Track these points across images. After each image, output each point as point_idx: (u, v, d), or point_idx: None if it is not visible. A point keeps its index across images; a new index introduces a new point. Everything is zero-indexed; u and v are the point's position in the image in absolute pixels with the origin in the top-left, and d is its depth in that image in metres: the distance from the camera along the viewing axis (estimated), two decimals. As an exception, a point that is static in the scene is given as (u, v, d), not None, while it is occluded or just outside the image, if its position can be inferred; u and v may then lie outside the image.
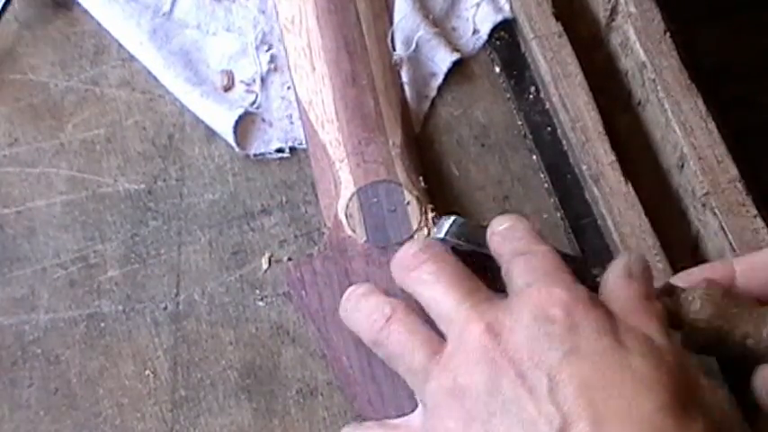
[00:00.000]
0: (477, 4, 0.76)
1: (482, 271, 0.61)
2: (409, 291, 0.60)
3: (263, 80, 0.73)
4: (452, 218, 0.64)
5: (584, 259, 0.69)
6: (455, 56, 0.75)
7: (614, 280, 0.59)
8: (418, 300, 0.60)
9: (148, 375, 0.65)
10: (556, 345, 0.53)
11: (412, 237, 0.67)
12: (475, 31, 0.76)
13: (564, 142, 0.73)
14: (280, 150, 0.72)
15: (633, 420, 0.51)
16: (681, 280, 0.63)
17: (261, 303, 0.67)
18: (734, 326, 0.61)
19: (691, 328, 0.61)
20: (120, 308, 0.67)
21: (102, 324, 0.66)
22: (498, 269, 0.61)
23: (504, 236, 0.61)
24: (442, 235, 0.64)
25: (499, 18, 0.76)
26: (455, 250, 0.63)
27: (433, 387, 0.56)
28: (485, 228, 0.62)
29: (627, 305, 0.58)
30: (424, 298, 0.60)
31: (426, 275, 0.59)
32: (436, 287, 0.59)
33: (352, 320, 0.62)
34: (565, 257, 0.60)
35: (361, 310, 0.61)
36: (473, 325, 0.56)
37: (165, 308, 0.67)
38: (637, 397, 0.52)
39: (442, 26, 0.76)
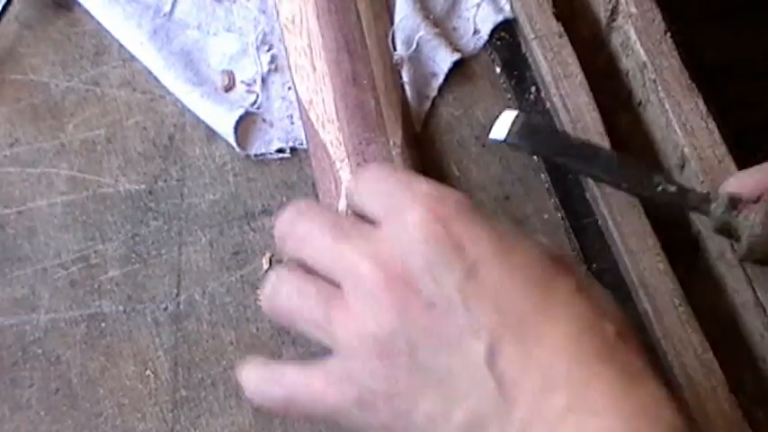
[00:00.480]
0: (478, 5, 0.76)
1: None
2: (296, 257, 0.57)
3: (263, 80, 0.73)
4: (514, 113, 0.62)
5: (619, 159, 0.68)
6: (456, 56, 0.75)
7: None
8: (305, 262, 0.56)
9: (149, 375, 0.65)
10: (457, 263, 0.51)
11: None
12: (475, 32, 0.76)
13: (564, 142, 0.73)
14: (280, 150, 0.72)
15: (554, 314, 0.50)
16: (735, 185, 0.65)
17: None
18: None
19: (748, 245, 0.64)
20: (121, 308, 0.67)
21: (103, 324, 0.66)
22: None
23: (351, 190, 0.58)
24: (502, 137, 0.62)
25: (500, 18, 0.76)
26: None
27: (340, 333, 0.54)
28: (555, 131, 0.60)
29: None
30: (307, 257, 0.56)
31: (301, 234, 0.56)
32: (313, 242, 0.56)
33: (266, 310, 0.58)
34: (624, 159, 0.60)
35: (263, 293, 0.58)
36: (360, 265, 0.53)
37: (166, 308, 0.67)
38: (549, 288, 0.51)
39: (442, 26, 0.76)
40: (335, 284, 0.55)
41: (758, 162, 0.70)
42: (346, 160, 0.69)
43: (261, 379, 0.56)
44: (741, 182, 0.66)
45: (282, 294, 0.56)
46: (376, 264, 0.53)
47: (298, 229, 0.56)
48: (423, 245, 0.52)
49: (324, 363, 0.55)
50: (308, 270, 0.56)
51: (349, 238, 0.55)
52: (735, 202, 0.65)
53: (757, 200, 0.65)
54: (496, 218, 0.55)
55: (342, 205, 0.68)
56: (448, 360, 0.51)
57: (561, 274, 0.52)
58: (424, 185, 0.54)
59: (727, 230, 0.65)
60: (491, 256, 0.52)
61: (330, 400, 0.54)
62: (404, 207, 0.53)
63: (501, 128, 0.64)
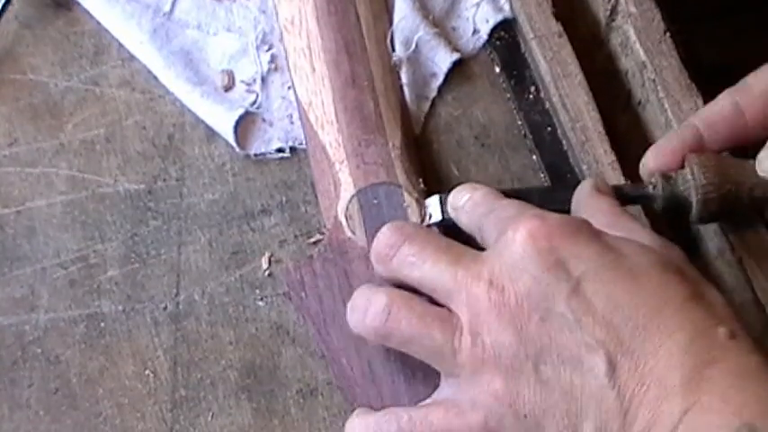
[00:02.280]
0: (477, 4, 0.76)
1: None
2: (397, 278, 0.60)
3: (263, 80, 0.73)
4: (437, 197, 0.65)
5: (548, 188, 0.70)
6: (455, 56, 0.75)
7: (586, 198, 0.61)
8: (409, 283, 0.59)
9: (148, 375, 0.65)
10: (563, 277, 0.53)
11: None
12: (475, 31, 0.76)
13: (564, 142, 0.73)
14: (280, 150, 0.72)
15: (666, 323, 0.51)
16: (654, 160, 0.64)
17: (261, 303, 0.67)
18: (739, 183, 0.62)
19: (703, 201, 0.63)
20: (120, 308, 0.67)
21: (102, 324, 0.66)
22: None
23: (469, 209, 0.62)
24: (440, 217, 0.64)
25: (499, 18, 0.76)
26: (448, 228, 0.63)
27: (464, 359, 0.56)
28: None
29: (606, 218, 0.58)
30: (414, 279, 0.59)
31: (410, 257, 0.59)
32: (423, 267, 0.58)
33: (353, 323, 0.60)
34: (527, 191, 0.62)
35: (357, 308, 0.60)
36: (474, 287, 0.55)
37: (165, 308, 0.67)
38: (659, 297, 0.52)
39: (441, 26, 0.76)
40: (445, 307, 0.57)
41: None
42: (345, 161, 0.69)
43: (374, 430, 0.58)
44: (659, 156, 0.65)
45: (401, 319, 0.57)
46: (489, 284, 0.55)
47: (406, 250, 0.59)
48: (528, 262, 0.54)
49: (438, 397, 0.57)
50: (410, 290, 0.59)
51: (461, 262, 0.57)
52: (667, 177, 0.64)
53: (682, 165, 0.64)
54: (604, 233, 0.56)
55: (341, 206, 0.68)
56: (570, 376, 0.53)
57: (673, 283, 0.53)
58: (530, 209, 0.57)
59: (675, 204, 0.65)
60: (594, 272, 0.53)
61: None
62: (510, 228, 0.55)
63: (435, 212, 0.65)
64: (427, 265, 0.58)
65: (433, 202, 0.66)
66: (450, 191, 0.65)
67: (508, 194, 0.63)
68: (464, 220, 0.61)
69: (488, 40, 0.76)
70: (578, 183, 0.65)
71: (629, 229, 0.58)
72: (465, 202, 0.62)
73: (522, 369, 0.54)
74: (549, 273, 0.54)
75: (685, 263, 0.56)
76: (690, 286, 0.53)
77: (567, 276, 0.53)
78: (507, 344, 0.54)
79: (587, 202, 0.61)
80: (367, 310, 0.59)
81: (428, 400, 0.59)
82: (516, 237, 0.55)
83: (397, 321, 0.58)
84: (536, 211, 0.57)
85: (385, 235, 0.60)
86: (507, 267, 0.55)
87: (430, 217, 0.66)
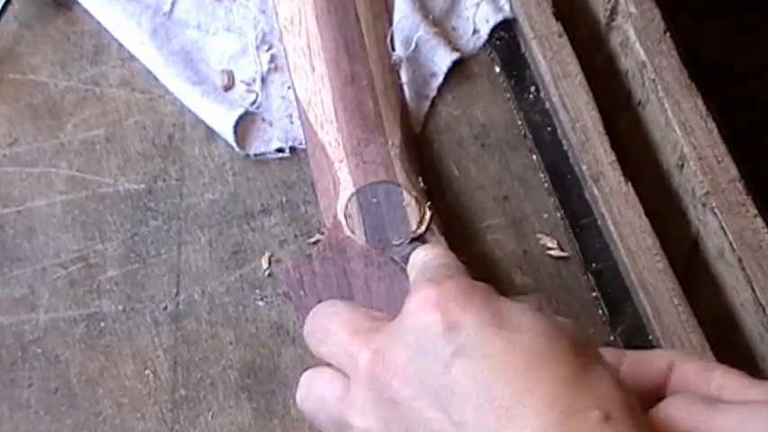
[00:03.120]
0: (477, 4, 0.77)
1: None
2: (323, 358, 0.58)
3: (263, 80, 0.73)
4: None
5: None
6: (455, 56, 0.75)
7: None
8: (324, 358, 0.57)
9: (148, 375, 0.65)
10: (440, 350, 0.51)
11: (411, 238, 0.67)
12: (475, 31, 0.76)
13: (564, 142, 0.73)
14: (280, 150, 0.72)
15: (538, 402, 0.49)
16: None
17: (261, 303, 0.67)
18: None
19: None
20: (120, 308, 0.67)
21: (102, 324, 0.66)
22: None
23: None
24: None
25: (499, 17, 0.76)
26: None
27: (351, 419, 0.54)
28: None
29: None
30: (324, 352, 0.57)
31: (319, 335, 0.57)
32: (330, 338, 0.57)
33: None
34: None
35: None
36: (361, 355, 0.53)
37: (165, 308, 0.67)
38: (536, 375, 0.50)
39: (441, 26, 0.76)
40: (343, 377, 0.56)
41: (758, 162, 0.70)
42: (345, 161, 0.69)
43: None
44: None
45: (310, 398, 0.57)
46: (373, 355, 0.53)
47: (318, 325, 0.58)
48: (415, 332, 0.52)
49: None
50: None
51: (359, 333, 0.55)
52: None
53: None
54: (502, 300, 0.54)
55: (340, 205, 0.68)
56: None
57: (554, 360, 0.50)
58: (441, 271, 0.57)
59: None
60: (471, 346, 0.51)
61: None
62: (409, 296, 0.54)
63: None
64: (332, 338, 0.56)
65: None
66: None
67: None
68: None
69: (488, 40, 0.76)
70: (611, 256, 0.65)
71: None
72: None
73: None
74: (429, 345, 0.51)
75: (580, 338, 0.53)
76: (572, 364, 0.50)
77: (443, 351, 0.51)
78: (379, 419, 0.52)
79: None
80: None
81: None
82: (410, 305, 0.53)
83: (308, 401, 0.58)
84: (442, 276, 0.56)
85: (312, 313, 0.59)
86: (396, 338, 0.53)
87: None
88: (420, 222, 0.67)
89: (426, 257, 0.61)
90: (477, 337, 0.51)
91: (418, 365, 0.51)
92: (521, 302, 0.54)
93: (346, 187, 0.68)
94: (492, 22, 0.76)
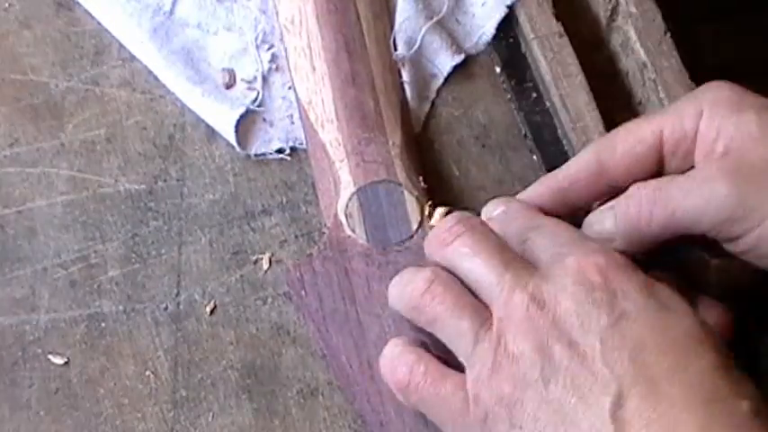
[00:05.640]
0: (483, 3, 0.76)
1: None
2: (447, 264, 0.60)
3: (264, 79, 0.73)
4: (443, 209, 0.67)
5: None
6: (457, 59, 0.75)
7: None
8: (456, 272, 0.60)
9: (149, 375, 0.65)
10: (605, 310, 0.54)
11: (412, 237, 0.67)
12: (480, 28, 0.76)
13: (564, 142, 0.73)
14: (280, 150, 0.72)
15: (689, 380, 0.51)
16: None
17: (261, 303, 0.67)
18: None
19: None
20: (121, 308, 0.67)
21: (103, 324, 0.66)
22: None
23: (503, 219, 0.62)
24: None
25: (503, 11, 0.76)
26: None
27: (484, 350, 0.56)
28: None
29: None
30: (462, 270, 0.59)
31: (464, 248, 0.59)
32: (475, 259, 0.58)
33: (392, 296, 0.61)
34: None
35: (400, 281, 0.61)
36: (517, 295, 0.56)
37: (166, 308, 0.67)
38: (689, 356, 0.52)
39: (446, 25, 0.76)
40: (484, 304, 0.58)
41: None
42: (345, 160, 0.69)
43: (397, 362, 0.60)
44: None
45: (437, 295, 0.59)
46: (531, 297, 0.56)
47: (464, 240, 0.59)
48: (577, 288, 0.55)
49: (459, 376, 0.58)
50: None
51: (511, 266, 0.58)
52: None
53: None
54: (656, 282, 0.57)
55: (341, 204, 0.68)
56: (575, 403, 0.53)
57: (705, 346, 0.53)
58: (593, 243, 0.58)
59: None
60: (637, 312, 0.54)
61: (456, 413, 0.57)
62: (568, 254, 0.57)
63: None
64: (479, 259, 0.58)
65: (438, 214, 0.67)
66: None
67: None
68: (497, 228, 0.61)
69: (492, 39, 0.76)
70: None
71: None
72: (500, 213, 0.63)
73: (533, 383, 0.54)
74: (593, 305, 0.54)
75: (722, 342, 0.56)
76: (720, 356, 0.53)
77: (609, 310, 0.54)
78: (528, 356, 0.55)
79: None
80: (410, 282, 0.60)
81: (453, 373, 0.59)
82: (571, 266, 0.56)
83: (432, 296, 0.59)
84: (591, 243, 0.58)
85: (448, 222, 0.61)
86: (554, 289, 0.56)
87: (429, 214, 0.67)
88: (421, 221, 0.67)
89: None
90: (641, 308, 0.54)
91: (579, 320, 0.54)
92: (673, 292, 0.56)
93: (347, 186, 0.68)
94: (497, 18, 0.76)
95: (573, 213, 0.63)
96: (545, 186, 0.64)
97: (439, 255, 0.61)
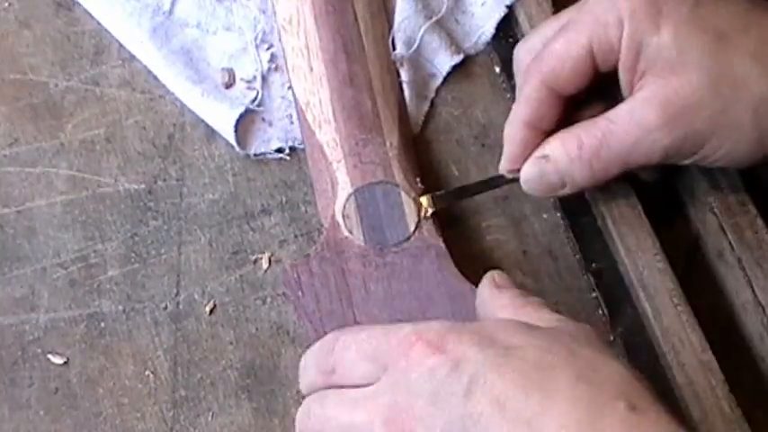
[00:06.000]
0: (482, 3, 0.76)
1: None
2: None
3: (263, 78, 0.73)
4: (428, 197, 0.68)
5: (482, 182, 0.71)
6: (456, 59, 0.75)
7: (487, 298, 0.61)
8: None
9: (148, 375, 0.65)
10: (454, 387, 0.52)
11: (409, 238, 0.67)
12: (479, 28, 0.76)
13: (564, 142, 0.73)
14: (280, 150, 0.72)
15: (559, 404, 0.50)
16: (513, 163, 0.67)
17: (261, 303, 0.67)
18: None
19: None
20: (120, 308, 0.67)
21: (102, 324, 0.66)
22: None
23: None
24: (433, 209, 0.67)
25: (503, 11, 0.76)
26: None
27: None
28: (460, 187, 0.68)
29: (507, 312, 0.58)
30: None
31: (320, 418, 0.58)
32: (331, 423, 0.57)
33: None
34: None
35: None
36: (373, 426, 0.54)
37: (165, 308, 0.67)
38: (548, 383, 0.51)
39: (445, 25, 0.76)
40: None
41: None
42: (343, 161, 0.69)
43: None
44: (513, 160, 0.67)
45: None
46: (385, 420, 0.54)
47: (316, 413, 0.58)
48: (421, 379, 0.53)
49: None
50: None
51: (357, 406, 0.55)
52: None
53: None
54: (481, 324, 0.57)
55: (338, 205, 0.68)
56: None
57: (560, 366, 0.52)
58: (403, 328, 0.56)
59: None
60: (484, 371, 0.52)
61: None
62: (394, 355, 0.55)
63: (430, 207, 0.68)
64: (333, 423, 0.57)
65: (426, 202, 0.68)
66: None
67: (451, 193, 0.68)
68: (344, 375, 0.59)
69: (491, 39, 0.76)
70: (611, 256, 0.68)
71: (532, 315, 0.57)
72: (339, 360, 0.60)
73: None
74: (442, 386, 0.52)
75: (588, 337, 0.55)
76: (578, 365, 0.52)
77: (457, 387, 0.52)
78: None
79: (488, 302, 0.61)
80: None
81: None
82: (405, 362, 0.54)
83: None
84: (409, 328, 0.56)
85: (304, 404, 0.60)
86: (404, 392, 0.54)
87: (426, 212, 0.67)
88: (418, 222, 0.67)
89: None
90: (485, 364, 0.52)
91: (436, 408, 0.52)
92: (500, 320, 0.56)
93: (344, 187, 0.68)
94: (496, 18, 0.76)
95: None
96: (515, 127, 0.66)
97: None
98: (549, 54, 0.65)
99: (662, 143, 0.62)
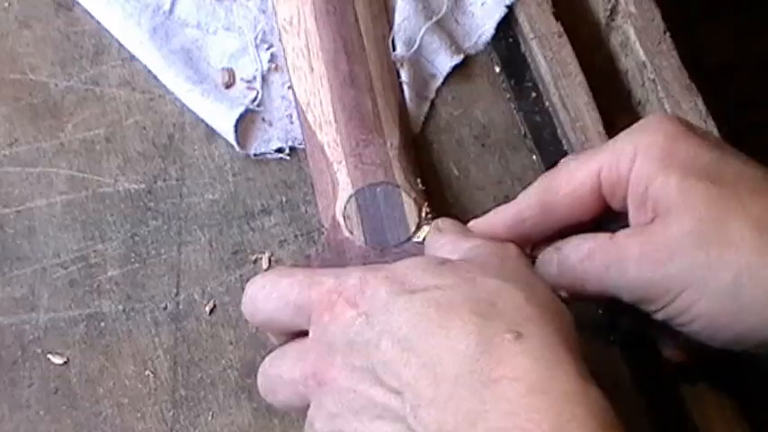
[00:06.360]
0: (482, 3, 0.76)
1: None
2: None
3: (263, 78, 0.73)
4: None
5: None
6: (456, 59, 0.75)
7: (429, 239, 0.63)
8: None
9: (148, 375, 0.65)
10: (366, 336, 0.54)
11: (409, 239, 0.67)
12: (479, 29, 0.76)
13: (564, 142, 0.73)
14: (280, 150, 0.72)
15: (453, 344, 0.51)
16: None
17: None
18: None
19: None
20: (120, 308, 0.67)
21: (102, 324, 0.66)
22: None
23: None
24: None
25: (503, 10, 0.76)
26: None
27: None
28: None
29: (445, 248, 0.60)
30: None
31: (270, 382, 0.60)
32: (273, 378, 0.59)
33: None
34: None
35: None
36: (306, 379, 0.57)
37: (165, 308, 0.67)
38: (445, 323, 0.52)
39: (445, 25, 0.76)
40: None
41: (758, 162, 0.70)
42: (343, 161, 0.69)
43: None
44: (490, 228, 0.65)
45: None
46: (314, 374, 0.56)
47: (267, 373, 0.60)
48: (342, 332, 0.55)
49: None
50: None
51: (295, 361, 0.58)
52: None
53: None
54: (395, 266, 0.57)
55: (339, 206, 0.68)
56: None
57: (457, 304, 0.53)
58: (325, 283, 0.57)
59: None
60: (393, 317, 0.53)
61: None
62: (318, 310, 0.57)
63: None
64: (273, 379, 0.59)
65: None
66: None
67: None
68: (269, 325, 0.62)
69: (491, 39, 0.76)
70: None
71: (453, 249, 0.60)
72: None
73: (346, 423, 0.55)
74: (357, 336, 0.54)
75: (503, 261, 0.57)
76: (476, 298, 0.53)
77: (369, 335, 0.54)
78: (339, 409, 0.55)
79: (429, 245, 0.63)
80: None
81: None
82: (327, 317, 0.56)
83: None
84: (335, 285, 0.57)
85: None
86: (325, 348, 0.56)
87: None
88: (418, 223, 0.67)
89: None
90: (392, 312, 0.54)
91: (353, 359, 0.54)
92: (412, 260, 0.57)
93: (345, 188, 0.68)
94: (497, 18, 0.76)
95: (533, 244, 0.64)
96: (500, 219, 0.64)
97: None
98: (555, 172, 0.63)
99: (629, 275, 0.59)
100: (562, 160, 0.65)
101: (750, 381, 0.66)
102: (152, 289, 0.67)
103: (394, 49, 0.74)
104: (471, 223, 0.64)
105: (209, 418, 0.65)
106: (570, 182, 0.62)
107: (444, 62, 0.75)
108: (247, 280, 0.66)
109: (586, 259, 0.60)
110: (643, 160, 0.59)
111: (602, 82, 0.75)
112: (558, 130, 0.74)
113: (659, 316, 0.60)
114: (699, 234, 0.58)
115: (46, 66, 0.73)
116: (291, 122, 0.72)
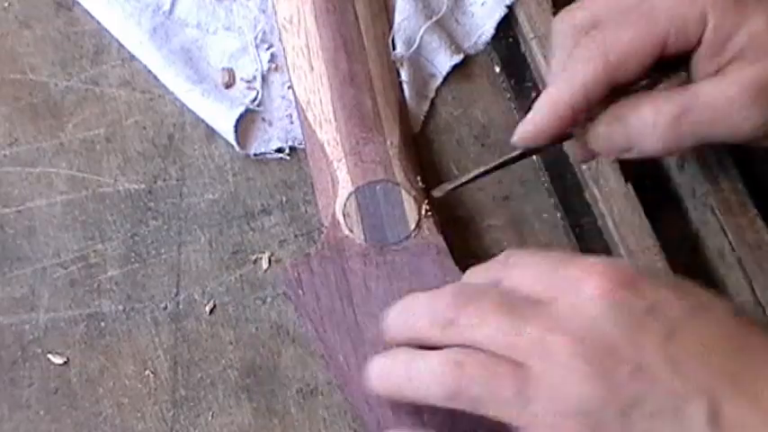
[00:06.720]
0: (482, 3, 0.76)
1: None
2: (457, 341, 0.55)
3: (263, 78, 0.73)
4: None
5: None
6: (456, 59, 0.75)
7: None
8: (471, 344, 0.55)
9: (148, 375, 0.65)
10: (652, 327, 0.51)
11: (409, 237, 0.67)
12: (479, 28, 0.76)
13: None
14: (280, 150, 0.72)
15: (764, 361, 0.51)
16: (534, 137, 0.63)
17: (261, 303, 0.67)
18: None
19: None
20: (120, 307, 0.67)
21: (103, 324, 0.66)
22: None
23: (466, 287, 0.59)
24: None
25: (503, 10, 0.76)
26: None
27: (540, 411, 0.52)
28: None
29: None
30: (478, 339, 0.55)
31: (473, 319, 0.55)
32: (487, 324, 0.54)
33: (409, 383, 0.56)
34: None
35: (424, 368, 0.56)
36: (549, 339, 0.52)
37: (165, 307, 0.67)
38: (744, 338, 0.52)
39: (445, 25, 0.76)
40: (518, 365, 0.53)
41: (758, 162, 0.70)
42: (343, 160, 0.69)
43: None
44: (537, 135, 0.63)
45: (470, 375, 0.54)
46: (566, 336, 0.52)
47: (466, 312, 0.55)
48: (614, 312, 0.52)
49: None
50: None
51: (527, 317, 0.54)
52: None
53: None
54: (677, 280, 0.56)
55: (339, 204, 0.68)
56: (664, 426, 0.50)
57: (745, 325, 0.52)
58: (589, 258, 0.55)
59: None
60: (686, 316, 0.52)
61: None
62: (577, 281, 0.53)
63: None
64: (491, 323, 0.54)
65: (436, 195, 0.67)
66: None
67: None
68: (507, 285, 0.57)
69: (491, 39, 0.76)
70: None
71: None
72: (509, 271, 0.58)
73: (611, 422, 0.51)
74: (638, 321, 0.52)
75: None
76: (756, 327, 0.53)
77: (657, 322, 0.51)
78: (595, 395, 0.51)
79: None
80: (439, 367, 0.55)
81: None
82: (590, 289, 0.53)
83: (468, 380, 0.54)
84: (595, 260, 0.55)
85: (442, 299, 0.57)
86: (586, 319, 0.52)
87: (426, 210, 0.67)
88: (418, 221, 0.67)
89: None
90: (686, 309, 0.52)
91: (632, 340, 0.51)
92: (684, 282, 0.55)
93: (345, 186, 0.68)
94: (496, 18, 0.76)
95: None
96: (557, 105, 0.62)
97: (445, 336, 0.56)
98: (617, 44, 0.61)
99: (752, 122, 0.59)
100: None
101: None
102: (152, 289, 0.67)
103: (394, 49, 0.74)
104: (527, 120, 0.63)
105: (209, 418, 0.64)
106: (638, 56, 0.60)
107: (444, 62, 0.75)
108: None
109: (682, 116, 0.60)
110: (715, 16, 0.59)
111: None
112: (559, 130, 0.73)
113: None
114: None
115: (46, 66, 0.73)
116: (291, 122, 0.73)
